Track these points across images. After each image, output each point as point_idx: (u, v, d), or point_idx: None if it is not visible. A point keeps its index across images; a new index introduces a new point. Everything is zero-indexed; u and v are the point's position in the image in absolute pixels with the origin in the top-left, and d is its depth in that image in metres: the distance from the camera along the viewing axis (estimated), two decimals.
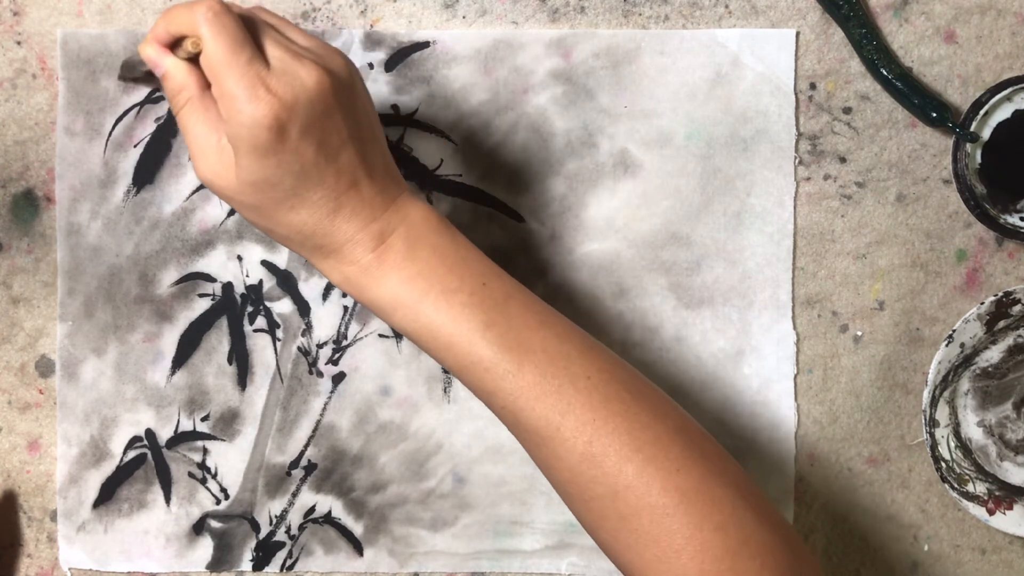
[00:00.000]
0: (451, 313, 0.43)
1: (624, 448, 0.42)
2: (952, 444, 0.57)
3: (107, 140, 0.57)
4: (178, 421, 0.57)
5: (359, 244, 0.43)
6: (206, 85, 0.42)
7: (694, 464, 0.42)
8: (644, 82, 0.56)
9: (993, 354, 0.56)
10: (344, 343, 0.57)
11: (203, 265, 0.57)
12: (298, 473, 0.57)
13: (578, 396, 0.42)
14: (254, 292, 0.57)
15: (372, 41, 0.56)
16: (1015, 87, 0.54)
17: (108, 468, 0.57)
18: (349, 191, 0.43)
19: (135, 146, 0.57)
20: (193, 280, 0.57)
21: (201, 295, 0.57)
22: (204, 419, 0.57)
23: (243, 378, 0.57)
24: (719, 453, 0.43)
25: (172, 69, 0.42)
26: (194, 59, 0.42)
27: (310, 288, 0.57)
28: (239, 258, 0.57)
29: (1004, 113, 0.55)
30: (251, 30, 0.42)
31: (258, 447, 0.57)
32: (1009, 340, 0.56)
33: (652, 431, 0.42)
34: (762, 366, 0.56)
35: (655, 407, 0.43)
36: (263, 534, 0.57)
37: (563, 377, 0.43)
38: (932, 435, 0.56)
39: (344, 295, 0.57)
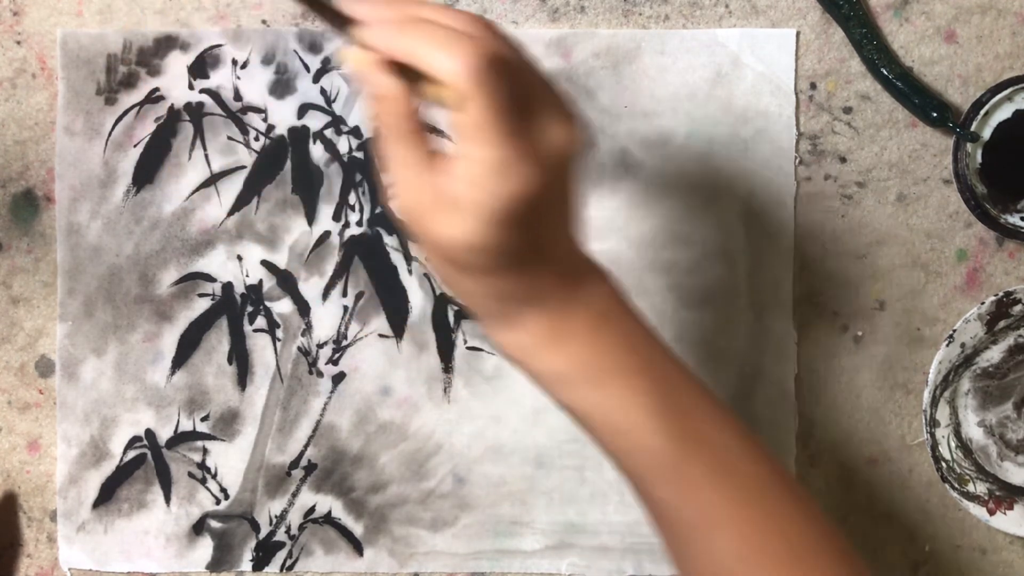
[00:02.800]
0: (627, 398, 0.39)
1: (781, 553, 0.40)
2: (952, 444, 0.56)
3: (107, 140, 0.57)
4: (178, 421, 0.57)
5: (544, 315, 0.39)
6: (410, 110, 0.36)
7: (841, 570, 0.40)
8: (644, 82, 0.56)
9: (994, 354, 0.56)
10: (344, 343, 0.57)
11: (203, 265, 0.57)
12: (298, 473, 0.57)
13: (740, 495, 0.40)
14: (254, 292, 0.57)
15: None
16: (1015, 87, 0.54)
17: (108, 468, 0.57)
18: (554, 260, 0.39)
19: (135, 146, 0.57)
20: (193, 280, 0.57)
21: (201, 295, 0.57)
22: (204, 419, 0.57)
23: (243, 378, 0.57)
24: (854, 554, 0.42)
25: (395, 94, 0.36)
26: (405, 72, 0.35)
27: (310, 288, 0.57)
28: (239, 258, 0.57)
29: (1004, 113, 0.55)
30: (513, 77, 0.36)
31: (258, 447, 0.57)
32: (1010, 340, 0.56)
33: (806, 537, 0.40)
34: (762, 366, 0.56)
35: (806, 509, 0.41)
36: (263, 534, 0.57)
37: (728, 475, 0.40)
38: (932, 435, 0.55)
39: (344, 295, 0.57)
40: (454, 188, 0.35)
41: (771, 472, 0.41)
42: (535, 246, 0.37)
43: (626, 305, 0.41)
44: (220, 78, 0.57)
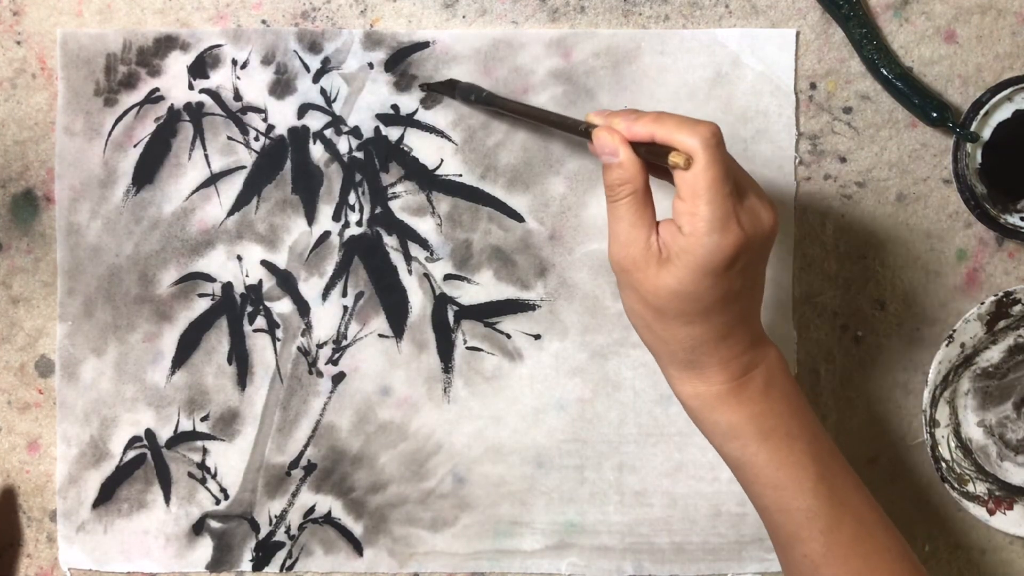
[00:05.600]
0: (789, 457, 0.44)
1: None
2: (952, 444, 0.56)
3: (107, 140, 0.57)
4: (178, 421, 0.57)
5: (725, 370, 0.44)
6: (646, 182, 0.44)
7: None
8: (644, 82, 0.56)
9: (993, 354, 0.56)
10: (344, 343, 0.57)
11: (203, 265, 0.57)
12: (298, 473, 0.57)
13: (879, 563, 0.44)
14: (254, 292, 0.57)
15: (372, 41, 0.56)
16: (1015, 87, 0.54)
17: (108, 468, 0.57)
18: (742, 322, 0.44)
19: (135, 146, 0.57)
20: (193, 280, 0.57)
21: (201, 295, 0.57)
22: (204, 419, 0.57)
23: (243, 378, 0.57)
24: None
25: (628, 163, 0.43)
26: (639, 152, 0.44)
27: (310, 288, 0.57)
28: (239, 258, 0.57)
29: (1004, 113, 0.54)
30: (728, 158, 0.43)
31: (258, 447, 0.57)
32: (1009, 340, 0.56)
33: None
34: None
35: None
36: (263, 534, 0.57)
37: (872, 543, 0.45)
38: (932, 435, 0.55)
39: (344, 295, 0.57)
40: (673, 242, 0.42)
41: (899, 543, 0.46)
42: (733, 302, 0.43)
43: (789, 374, 0.46)
44: (220, 78, 0.57)
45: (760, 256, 0.44)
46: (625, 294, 0.45)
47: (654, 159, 0.43)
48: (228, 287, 0.57)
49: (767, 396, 0.45)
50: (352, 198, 0.57)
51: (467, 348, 0.57)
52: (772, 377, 0.45)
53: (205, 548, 0.57)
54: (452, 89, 0.54)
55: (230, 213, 0.57)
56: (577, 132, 0.46)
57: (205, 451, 0.57)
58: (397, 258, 0.57)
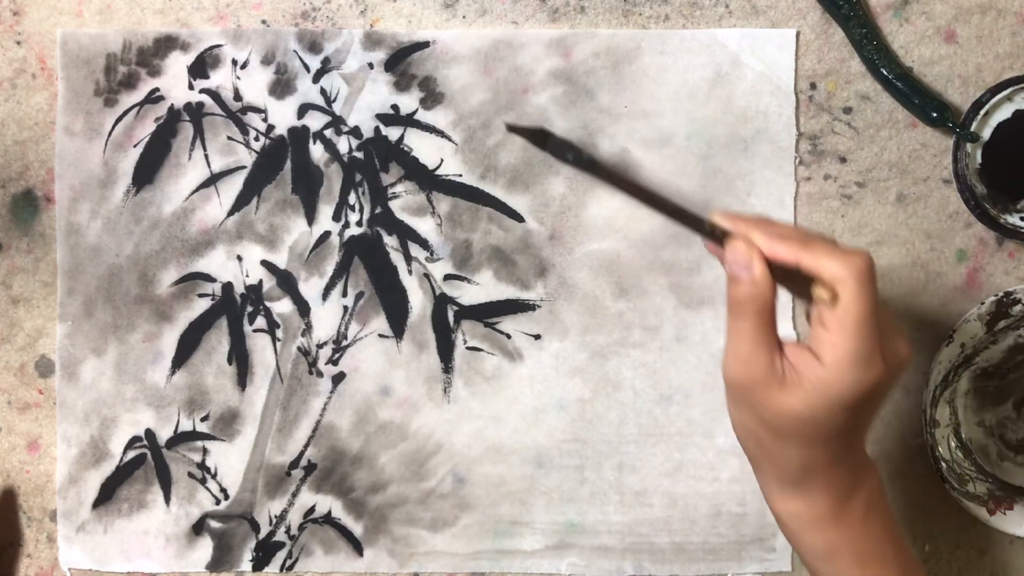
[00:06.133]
0: None
1: None
2: (952, 444, 0.56)
3: (107, 140, 0.57)
4: (178, 421, 0.57)
5: (830, 493, 0.43)
6: (775, 299, 0.42)
7: None
8: (644, 82, 0.56)
9: (993, 354, 0.56)
10: (344, 343, 0.57)
11: (203, 265, 0.57)
12: (298, 473, 0.57)
13: None
14: (254, 292, 0.57)
15: (372, 41, 0.56)
16: (1015, 87, 0.54)
17: (108, 468, 0.57)
18: (853, 446, 0.44)
19: (135, 146, 0.57)
20: (193, 280, 0.57)
21: (201, 295, 0.57)
22: (204, 419, 0.57)
23: (243, 378, 0.57)
24: None
25: (763, 281, 0.41)
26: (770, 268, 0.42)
27: (310, 288, 0.57)
28: (239, 258, 0.57)
29: (1004, 113, 0.55)
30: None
31: (258, 447, 0.57)
32: (1009, 340, 0.56)
33: None
34: None
35: None
36: (263, 534, 0.57)
37: None
38: (932, 435, 0.55)
39: (344, 295, 0.57)
40: (807, 370, 0.41)
41: None
42: (853, 431, 0.42)
43: (887, 498, 0.45)
44: (220, 78, 0.57)
45: (893, 387, 0.43)
46: (738, 410, 0.43)
47: (789, 284, 0.41)
48: (228, 287, 0.57)
49: (867, 520, 0.44)
50: (352, 198, 0.57)
51: (467, 348, 0.57)
52: (872, 500, 0.44)
53: (205, 548, 0.57)
54: (542, 139, 0.47)
55: (230, 213, 0.57)
56: (700, 230, 0.43)
57: (205, 451, 0.57)
58: (397, 258, 0.57)
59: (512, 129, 0.47)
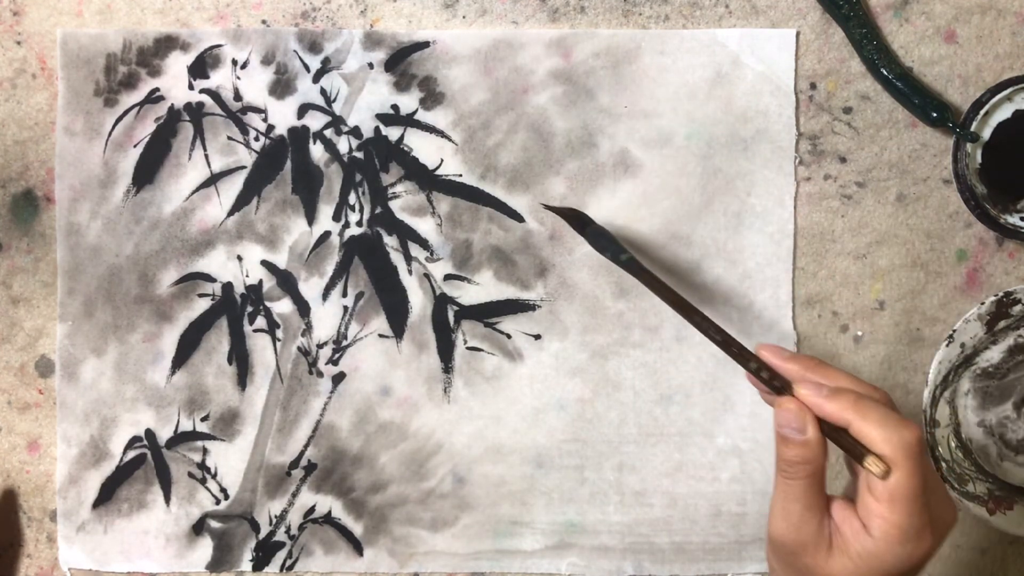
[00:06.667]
0: None
1: None
2: (952, 444, 0.56)
3: (107, 140, 0.57)
4: (178, 421, 0.57)
5: None
6: (824, 462, 0.41)
7: None
8: (644, 82, 0.56)
9: (993, 354, 0.56)
10: (344, 343, 0.57)
11: (203, 265, 0.57)
12: (298, 473, 0.57)
13: None
14: (254, 292, 0.57)
15: (372, 41, 0.56)
16: (1015, 87, 0.54)
17: (108, 468, 0.57)
18: None
19: (135, 146, 0.57)
20: (193, 280, 0.57)
21: (201, 295, 0.57)
22: (204, 419, 0.57)
23: (243, 378, 0.57)
24: None
25: (815, 444, 0.41)
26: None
27: (310, 288, 0.57)
28: (239, 258, 0.57)
29: (1004, 113, 0.55)
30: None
31: (258, 447, 0.57)
32: (1010, 340, 0.56)
33: None
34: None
35: None
36: (263, 534, 0.57)
37: None
38: (932, 435, 0.55)
39: (344, 295, 0.57)
40: (855, 539, 0.40)
41: None
42: None
43: None
44: (220, 78, 0.57)
45: (934, 552, 0.42)
46: (781, 567, 0.43)
47: (836, 438, 0.40)
48: (228, 287, 0.57)
49: None
50: (352, 198, 0.57)
51: (467, 348, 0.57)
52: None
53: (205, 548, 0.57)
54: (581, 225, 0.48)
55: (230, 213, 0.57)
56: (744, 365, 0.42)
57: (205, 451, 0.57)
58: (397, 258, 0.57)
59: (549, 209, 0.53)
